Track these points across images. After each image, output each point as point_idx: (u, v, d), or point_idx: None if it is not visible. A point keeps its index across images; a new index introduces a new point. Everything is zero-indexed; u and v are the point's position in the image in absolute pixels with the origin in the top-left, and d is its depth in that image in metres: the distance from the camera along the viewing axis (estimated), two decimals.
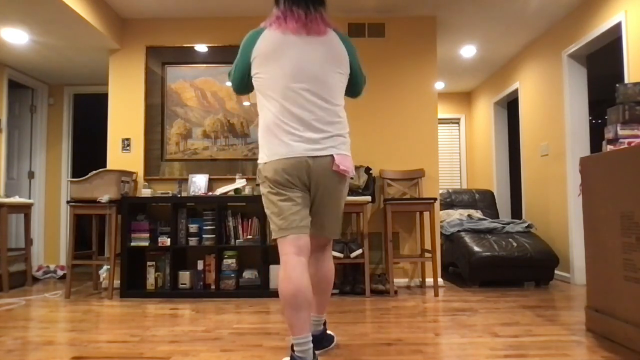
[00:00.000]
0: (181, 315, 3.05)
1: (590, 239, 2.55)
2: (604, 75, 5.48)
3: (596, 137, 4.30)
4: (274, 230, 1.96)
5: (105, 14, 3.96)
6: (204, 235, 3.80)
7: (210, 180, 4.15)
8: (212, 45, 4.25)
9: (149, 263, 3.86)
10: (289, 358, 1.90)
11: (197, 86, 4.24)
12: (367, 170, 3.93)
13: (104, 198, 3.66)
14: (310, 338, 1.85)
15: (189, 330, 2.66)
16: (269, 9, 4.36)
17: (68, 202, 3.82)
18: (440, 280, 4.09)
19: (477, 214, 5.00)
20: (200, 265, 3.82)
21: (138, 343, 2.39)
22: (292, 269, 1.87)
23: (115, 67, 4.28)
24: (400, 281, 4.16)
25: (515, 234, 4.35)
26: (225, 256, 3.80)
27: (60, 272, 4.91)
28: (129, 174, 4.00)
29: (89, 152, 6.11)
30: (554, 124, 4.46)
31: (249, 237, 3.83)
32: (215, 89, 4.24)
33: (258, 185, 3.91)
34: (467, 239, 4.25)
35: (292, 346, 1.86)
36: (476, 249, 4.07)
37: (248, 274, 3.83)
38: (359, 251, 3.69)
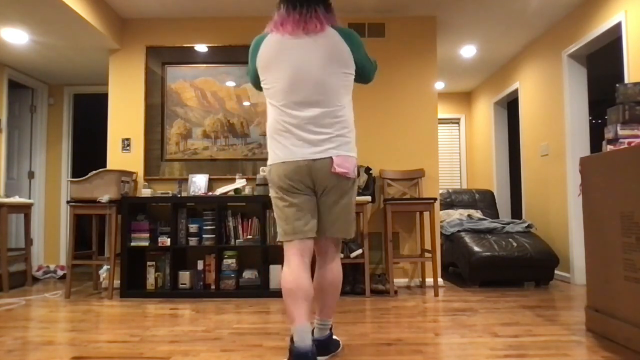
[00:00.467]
0: (181, 315, 3.05)
1: (590, 239, 2.55)
2: (604, 75, 5.48)
3: (596, 137, 4.30)
4: (280, 233, 2.02)
5: (105, 14, 3.96)
6: (204, 235, 3.80)
7: (210, 180, 4.15)
8: (212, 45, 4.25)
9: (149, 263, 3.86)
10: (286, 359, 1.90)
11: (197, 86, 4.24)
12: (367, 170, 3.93)
13: (104, 198, 3.66)
14: (308, 328, 1.90)
15: (189, 330, 2.66)
16: (269, 9, 4.36)
17: (68, 202, 3.82)
18: (440, 280, 4.09)
19: (477, 214, 5.00)
20: (200, 265, 3.82)
21: (138, 343, 2.39)
22: (295, 267, 1.96)
23: (115, 67, 4.28)
24: (400, 281, 4.16)
25: (515, 234, 4.35)
26: (225, 256, 3.80)
27: (60, 272, 4.91)
28: (129, 174, 4.00)
29: (89, 152, 6.11)
30: (554, 124, 4.46)
31: (249, 237, 3.83)
32: (215, 89, 4.24)
33: (260, 185, 3.90)
34: (467, 239, 4.25)
35: (291, 337, 1.92)
36: (476, 249, 4.07)
37: (248, 274, 3.83)
38: (359, 251, 3.69)
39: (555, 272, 4.40)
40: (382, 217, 4.13)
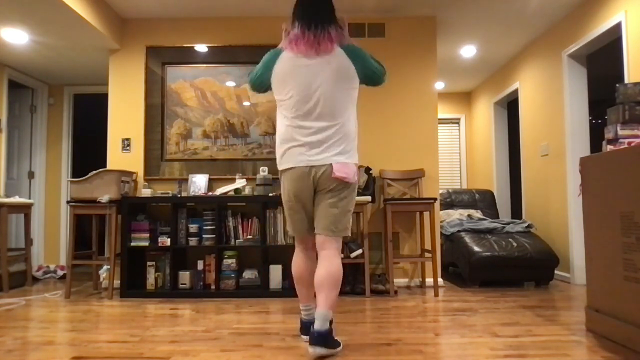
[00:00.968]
0: (181, 315, 3.05)
1: (590, 239, 2.55)
2: (604, 75, 5.48)
3: (596, 137, 4.30)
4: (289, 227, 2.41)
5: (105, 14, 3.96)
6: (204, 235, 3.80)
7: (210, 180, 4.15)
8: (212, 45, 4.25)
9: (149, 263, 3.86)
10: None
11: (197, 86, 4.24)
12: (367, 170, 3.93)
13: (104, 198, 3.66)
14: (313, 306, 2.34)
15: (189, 330, 2.66)
16: (269, 9, 4.36)
17: (68, 202, 3.82)
18: (440, 280, 4.09)
19: (477, 214, 5.00)
20: (200, 265, 3.82)
21: (138, 343, 2.39)
22: (299, 258, 2.40)
23: (115, 67, 4.28)
24: (400, 281, 4.16)
25: (515, 234, 4.35)
26: (225, 256, 3.80)
27: (60, 272, 4.91)
28: (129, 174, 4.00)
29: (89, 152, 6.11)
30: (554, 124, 4.46)
31: (249, 237, 3.83)
32: (215, 89, 4.24)
33: (260, 185, 3.91)
34: (467, 239, 4.25)
35: (300, 312, 2.42)
36: (476, 249, 4.07)
37: (248, 274, 3.83)
38: (359, 251, 3.69)
39: (555, 272, 4.40)
40: (382, 217, 4.13)
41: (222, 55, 4.24)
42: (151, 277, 3.84)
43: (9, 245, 4.42)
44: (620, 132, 2.44)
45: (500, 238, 4.24)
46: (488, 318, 2.88)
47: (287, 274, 3.86)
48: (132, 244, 3.79)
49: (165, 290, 3.79)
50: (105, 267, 3.96)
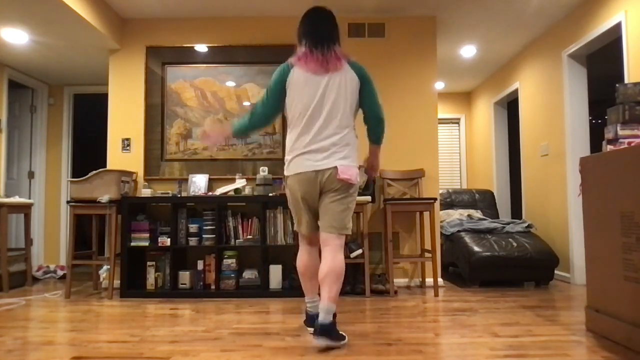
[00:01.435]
0: (181, 315, 3.05)
1: (590, 239, 2.55)
2: (604, 75, 5.48)
3: (596, 137, 4.30)
4: (297, 227, 2.58)
5: (105, 14, 3.96)
6: (204, 235, 3.80)
7: (210, 180, 4.15)
8: (212, 45, 4.25)
9: (149, 263, 3.86)
10: None
11: (197, 86, 4.24)
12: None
13: (104, 198, 3.66)
14: (318, 299, 2.50)
15: (189, 330, 2.66)
16: (268, 9, 4.36)
17: (68, 202, 3.82)
18: (440, 280, 4.09)
19: (477, 214, 5.00)
20: (200, 265, 3.82)
21: (138, 343, 2.39)
22: (303, 253, 2.58)
23: (115, 67, 4.28)
24: (400, 281, 4.16)
25: (515, 234, 4.35)
26: (225, 256, 3.80)
27: (60, 272, 4.91)
28: (129, 174, 4.00)
29: (89, 152, 6.11)
30: (554, 124, 4.46)
31: (249, 237, 3.83)
32: (215, 89, 4.24)
33: (260, 185, 3.93)
34: (467, 239, 4.25)
35: (305, 305, 2.61)
36: (476, 249, 4.07)
37: (248, 274, 3.83)
38: (359, 251, 3.69)
39: (555, 272, 4.40)
40: (382, 217, 4.13)
41: (222, 55, 4.24)
42: (151, 277, 3.84)
43: (9, 245, 4.42)
44: (620, 132, 2.44)
45: (500, 238, 4.24)
46: (488, 318, 2.88)
47: (287, 273, 3.86)
48: (132, 244, 3.79)
49: (165, 290, 3.79)
50: (105, 267, 3.96)
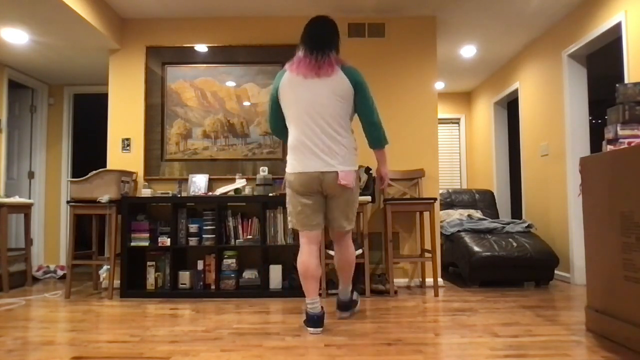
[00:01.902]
0: (181, 315, 3.05)
1: (590, 239, 2.55)
2: (604, 75, 5.48)
3: (596, 137, 4.30)
4: (293, 222, 2.67)
5: (105, 14, 3.96)
6: (204, 235, 3.80)
7: (210, 180, 4.15)
8: (212, 45, 4.25)
9: (149, 263, 3.86)
10: None
11: (197, 86, 4.24)
12: (367, 170, 3.93)
13: (104, 198, 3.66)
14: (318, 300, 2.58)
15: (189, 330, 2.66)
16: (268, 9, 4.37)
17: (68, 202, 3.82)
18: (440, 280, 4.09)
19: (477, 214, 5.00)
20: (200, 265, 3.82)
21: (138, 343, 2.39)
22: (305, 254, 2.62)
23: (115, 67, 4.28)
24: (400, 281, 4.16)
25: (515, 234, 4.35)
26: (225, 256, 3.80)
27: (60, 272, 4.91)
28: (129, 174, 4.00)
29: (89, 152, 6.11)
30: (554, 124, 4.46)
31: (249, 237, 3.83)
32: (215, 89, 4.24)
33: (260, 185, 3.95)
34: (467, 239, 4.25)
35: (306, 305, 2.61)
36: (476, 249, 4.07)
37: (248, 274, 3.83)
38: (359, 251, 3.68)
39: (555, 272, 4.40)
40: (382, 217, 4.13)
41: (222, 55, 4.24)
42: (151, 277, 3.84)
43: (9, 245, 4.42)
44: (620, 132, 2.44)
45: (500, 238, 4.24)
46: (488, 318, 2.88)
47: (287, 274, 3.86)
48: (132, 244, 3.79)
49: (165, 290, 3.79)
50: (105, 267, 3.96)
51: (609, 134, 2.52)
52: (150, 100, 4.23)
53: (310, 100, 2.53)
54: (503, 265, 4.01)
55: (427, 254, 3.98)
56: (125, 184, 3.88)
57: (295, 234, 3.79)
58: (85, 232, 5.98)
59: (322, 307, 2.59)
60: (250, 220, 3.86)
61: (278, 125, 2.76)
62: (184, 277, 3.83)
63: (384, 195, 4.11)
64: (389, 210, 3.75)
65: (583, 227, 2.63)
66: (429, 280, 4.06)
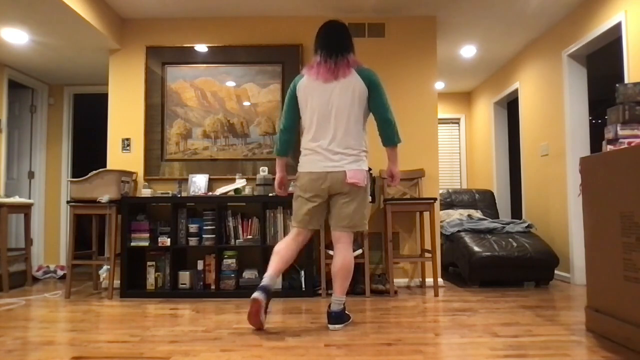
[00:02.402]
0: (181, 315, 3.05)
1: (590, 239, 2.55)
2: (604, 75, 5.48)
3: (596, 137, 4.30)
4: (293, 217, 2.76)
5: (105, 14, 3.96)
6: (204, 235, 3.80)
7: (210, 180, 4.15)
8: (212, 45, 4.25)
9: (149, 263, 3.86)
10: None
11: (197, 86, 4.24)
12: (367, 170, 3.92)
13: (104, 198, 3.66)
14: (274, 277, 2.69)
15: (189, 330, 2.66)
16: (268, 9, 4.36)
17: (68, 202, 3.82)
18: (440, 280, 4.09)
19: (477, 214, 5.00)
20: (200, 265, 3.82)
21: (138, 343, 2.39)
22: (288, 240, 2.73)
23: (115, 67, 4.28)
24: (400, 281, 4.16)
25: (515, 234, 4.35)
26: (225, 256, 3.80)
27: (60, 272, 4.91)
28: (129, 174, 4.00)
29: (89, 152, 6.11)
30: (554, 124, 4.46)
31: (249, 237, 3.83)
32: (215, 89, 4.24)
33: (260, 185, 3.94)
34: (467, 239, 4.25)
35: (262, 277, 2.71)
36: (476, 249, 4.07)
37: (248, 274, 3.83)
38: (359, 251, 3.69)
39: (555, 272, 4.40)
40: (382, 217, 4.13)
41: (222, 55, 4.24)
42: (151, 277, 3.84)
43: (9, 245, 4.42)
44: (620, 132, 2.44)
45: (500, 238, 4.24)
46: (488, 318, 2.88)
47: (287, 274, 3.86)
48: (132, 244, 3.79)
49: (165, 290, 3.79)
50: (105, 267, 3.96)
51: (609, 134, 2.52)
52: (150, 100, 4.23)
53: (326, 103, 2.62)
54: (503, 265, 4.01)
55: (427, 254, 3.98)
56: (125, 184, 3.88)
57: None
58: (85, 232, 5.98)
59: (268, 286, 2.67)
60: (250, 220, 3.86)
61: (291, 123, 2.78)
62: (184, 277, 3.83)
63: (384, 195, 4.11)
64: (389, 210, 3.75)
65: (583, 227, 2.63)
66: (429, 280, 4.06)
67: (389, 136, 2.69)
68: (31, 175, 5.38)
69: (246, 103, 4.22)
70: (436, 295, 3.66)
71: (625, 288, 2.24)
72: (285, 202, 3.80)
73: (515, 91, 5.38)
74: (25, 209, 4.46)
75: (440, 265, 4.14)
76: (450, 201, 5.26)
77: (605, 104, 4.03)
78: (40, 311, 3.23)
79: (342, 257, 2.66)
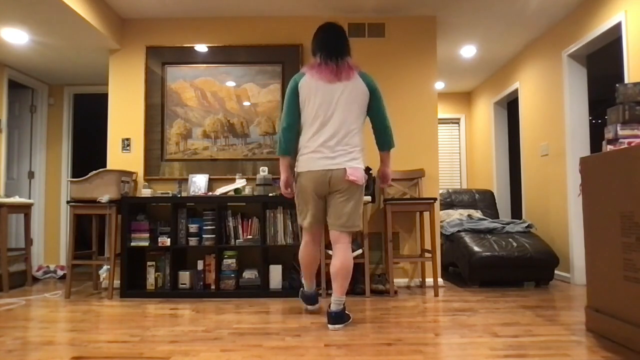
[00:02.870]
0: (181, 315, 3.05)
1: (590, 239, 2.55)
2: (604, 75, 5.48)
3: (596, 137, 4.31)
4: (299, 218, 2.83)
5: (105, 14, 3.96)
6: (204, 235, 3.80)
7: (210, 180, 4.15)
8: (212, 45, 4.25)
9: (149, 263, 3.86)
10: None
11: (197, 86, 4.24)
12: (367, 170, 3.93)
13: (104, 198, 3.66)
14: (313, 283, 2.98)
15: (189, 330, 2.66)
16: (268, 9, 4.37)
17: (68, 202, 3.82)
18: (440, 280, 4.09)
19: (477, 214, 5.00)
20: (200, 265, 3.82)
21: (138, 343, 2.39)
22: (307, 248, 2.86)
23: (115, 67, 4.28)
24: (400, 281, 4.16)
25: (515, 234, 4.35)
26: (225, 256, 3.80)
27: (60, 272, 4.91)
28: (129, 174, 4.00)
29: (89, 152, 6.11)
30: (554, 124, 4.46)
31: (249, 237, 3.83)
32: (215, 89, 4.24)
33: (260, 185, 3.94)
34: (467, 239, 4.25)
35: (302, 285, 3.07)
36: (476, 249, 4.07)
37: (248, 274, 3.83)
38: (359, 251, 3.69)
39: (555, 272, 4.40)
40: (382, 217, 4.13)
41: (222, 55, 4.24)
42: (151, 277, 3.84)
43: (9, 245, 4.42)
44: (620, 132, 2.44)
45: (500, 238, 4.24)
46: (488, 318, 2.88)
47: (287, 274, 3.86)
48: (132, 244, 3.79)
49: (165, 290, 3.79)
50: (105, 267, 3.96)
51: (609, 134, 2.52)
52: (150, 100, 4.23)
53: (330, 102, 2.66)
54: (503, 265, 4.01)
55: (427, 254, 3.98)
56: (125, 184, 3.88)
57: (295, 234, 3.79)
58: (85, 232, 5.98)
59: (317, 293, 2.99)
60: (250, 220, 3.86)
61: (293, 120, 2.75)
62: (184, 277, 3.83)
63: (384, 195, 4.11)
64: (389, 210, 3.75)
65: (583, 227, 2.63)
66: (429, 280, 4.06)
67: (387, 142, 2.80)
68: (31, 175, 5.38)
69: (246, 103, 4.23)
70: (436, 295, 3.66)
71: (625, 288, 2.24)
72: (285, 202, 3.80)
73: (515, 91, 5.38)
74: (25, 209, 4.46)
75: (440, 265, 4.14)
76: (450, 201, 5.26)
77: (605, 104, 4.04)
78: (40, 311, 3.23)
79: (342, 257, 2.68)
